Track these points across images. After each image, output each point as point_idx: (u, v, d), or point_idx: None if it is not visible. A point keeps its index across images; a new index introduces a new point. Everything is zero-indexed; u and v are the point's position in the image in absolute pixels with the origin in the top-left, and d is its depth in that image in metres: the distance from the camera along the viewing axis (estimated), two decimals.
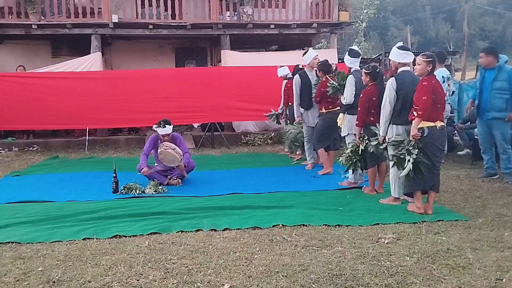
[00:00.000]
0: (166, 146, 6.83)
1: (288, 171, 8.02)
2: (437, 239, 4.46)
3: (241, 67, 11.38)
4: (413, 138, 5.15)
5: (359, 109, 6.05)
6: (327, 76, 7.25)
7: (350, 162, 6.29)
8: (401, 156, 5.26)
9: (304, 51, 8.48)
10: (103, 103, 10.56)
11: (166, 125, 6.91)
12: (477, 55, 8.54)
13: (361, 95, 6.07)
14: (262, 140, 11.40)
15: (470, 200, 5.89)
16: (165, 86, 10.78)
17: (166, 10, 12.46)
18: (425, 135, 5.13)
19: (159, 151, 6.87)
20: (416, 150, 5.11)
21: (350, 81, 6.54)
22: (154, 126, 7.00)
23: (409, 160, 5.15)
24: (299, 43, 13.99)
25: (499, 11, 58.50)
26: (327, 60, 7.52)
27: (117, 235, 4.68)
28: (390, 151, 5.49)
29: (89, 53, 11.76)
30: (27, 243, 4.49)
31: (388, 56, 6.12)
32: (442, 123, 5.21)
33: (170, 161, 6.88)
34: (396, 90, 5.41)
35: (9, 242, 4.49)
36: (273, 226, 4.90)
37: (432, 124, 5.13)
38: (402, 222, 4.99)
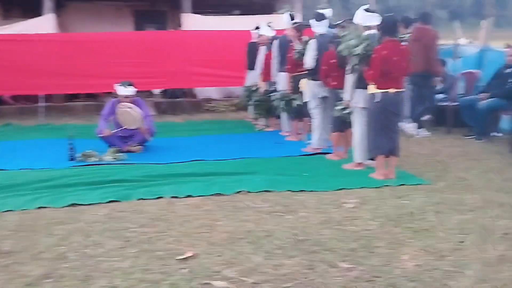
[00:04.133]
0: (123, 105, 6.62)
1: (251, 138, 7.91)
2: (400, 203, 4.47)
3: (203, 31, 10.99)
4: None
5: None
6: (297, 39, 7.07)
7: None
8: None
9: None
10: (58, 68, 10.02)
11: (128, 86, 6.70)
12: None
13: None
14: (225, 107, 11.20)
15: (431, 164, 5.94)
16: (124, 51, 10.32)
17: None
18: (377, 100, 5.16)
19: (117, 111, 6.63)
20: None
21: (312, 45, 6.40)
22: (116, 84, 6.76)
23: None
24: (262, 8, 13.68)
25: None
26: (300, 23, 7.34)
27: (73, 203, 4.48)
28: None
29: (42, 15, 11.16)
30: None
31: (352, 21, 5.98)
32: (397, 89, 5.17)
33: (130, 122, 6.65)
34: None
35: None
36: (237, 192, 4.80)
37: (384, 90, 5.13)
38: (366, 187, 4.98)
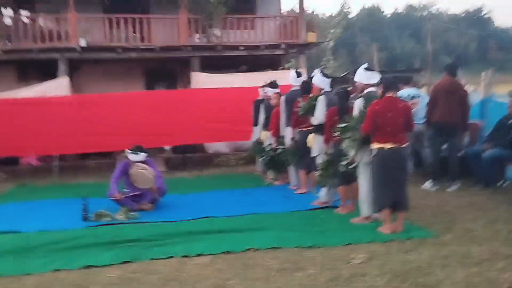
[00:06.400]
0: (138, 166, 6.80)
1: (261, 192, 8.04)
2: (408, 258, 4.52)
3: (211, 88, 11.39)
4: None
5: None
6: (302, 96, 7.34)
7: (323, 178, 6.50)
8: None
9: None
10: (71, 128, 10.33)
11: (139, 152, 6.92)
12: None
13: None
14: (234, 160, 11.39)
15: (438, 215, 6.00)
16: (135, 109, 10.65)
17: (134, 32, 12.46)
18: (373, 155, 5.38)
19: (131, 171, 6.81)
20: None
21: (322, 101, 6.63)
22: (127, 150, 6.97)
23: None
24: (269, 64, 14.16)
25: (461, 29, 60.60)
26: (305, 81, 7.60)
27: (87, 265, 4.60)
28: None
29: (56, 77, 11.62)
30: None
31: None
32: (394, 145, 5.29)
33: (143, 182, 6.82)
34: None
35: None
36: (247, 249, 4.89)
37: (381, 145, 5.31)
38: (374, 241, 5.05)
